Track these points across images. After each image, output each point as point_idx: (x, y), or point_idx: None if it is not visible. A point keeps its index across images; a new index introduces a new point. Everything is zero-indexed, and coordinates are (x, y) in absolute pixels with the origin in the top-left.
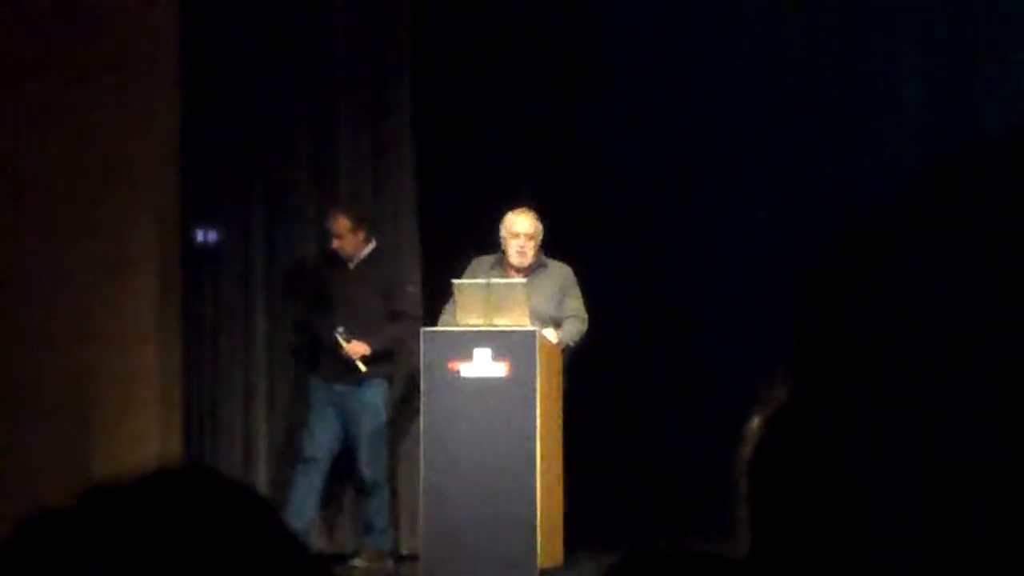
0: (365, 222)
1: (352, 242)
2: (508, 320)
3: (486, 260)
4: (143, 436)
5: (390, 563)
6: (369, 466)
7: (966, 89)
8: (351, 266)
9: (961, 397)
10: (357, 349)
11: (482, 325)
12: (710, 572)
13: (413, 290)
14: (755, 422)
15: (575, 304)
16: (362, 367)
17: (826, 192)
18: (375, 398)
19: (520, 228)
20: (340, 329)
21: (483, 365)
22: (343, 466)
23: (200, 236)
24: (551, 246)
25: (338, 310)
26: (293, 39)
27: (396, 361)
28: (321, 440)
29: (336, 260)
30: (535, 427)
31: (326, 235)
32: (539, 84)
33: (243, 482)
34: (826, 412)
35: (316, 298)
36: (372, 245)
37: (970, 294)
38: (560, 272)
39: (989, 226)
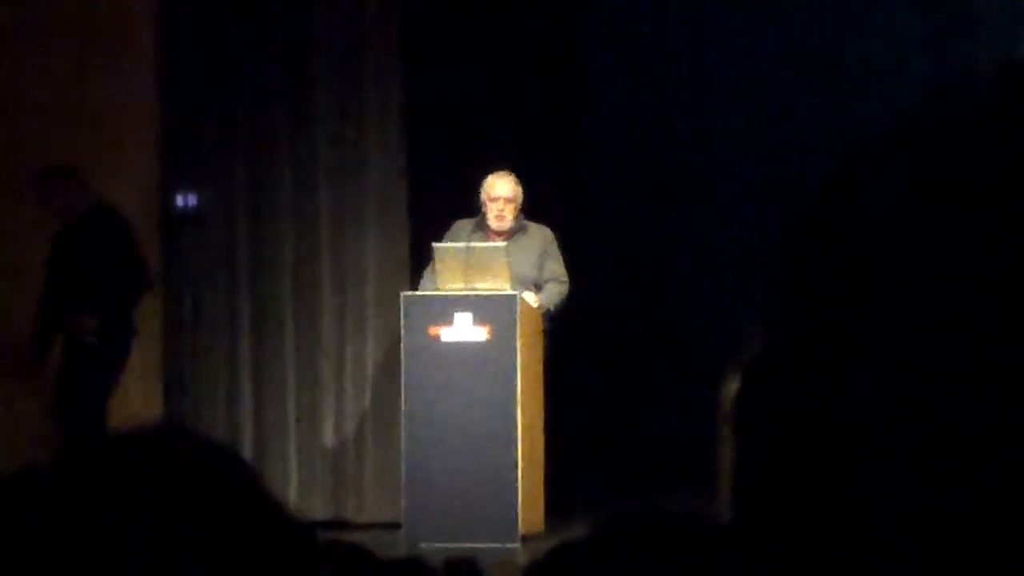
0: (74, 175)
1: (66, 200)
2: (489, 284)
3: (466, 223)
4: (125, 401)
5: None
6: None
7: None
8: (69, 226)
9: (952, 349)
10: (85, 325)
11: (463, 289)
12: (687, 535)
13: (131, 251)
14: (734, 378)
15: (556, 267)
16: (93, 339)
17: (813, 151)
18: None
19: (499, 191)
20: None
21: (464, 329)
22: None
23: (181, 202)
24: (533, 209)
25: (64, 277)
26: (276, 3)
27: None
28: None
29: (62, 225)
30: (516, 391)
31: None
32: (522, 53)
33: (223, 442)
34: (807, 364)
35: (50, 269)
36: (93, 201)
37: (953, 240)
38: (541, 235)
39: (973, 172)
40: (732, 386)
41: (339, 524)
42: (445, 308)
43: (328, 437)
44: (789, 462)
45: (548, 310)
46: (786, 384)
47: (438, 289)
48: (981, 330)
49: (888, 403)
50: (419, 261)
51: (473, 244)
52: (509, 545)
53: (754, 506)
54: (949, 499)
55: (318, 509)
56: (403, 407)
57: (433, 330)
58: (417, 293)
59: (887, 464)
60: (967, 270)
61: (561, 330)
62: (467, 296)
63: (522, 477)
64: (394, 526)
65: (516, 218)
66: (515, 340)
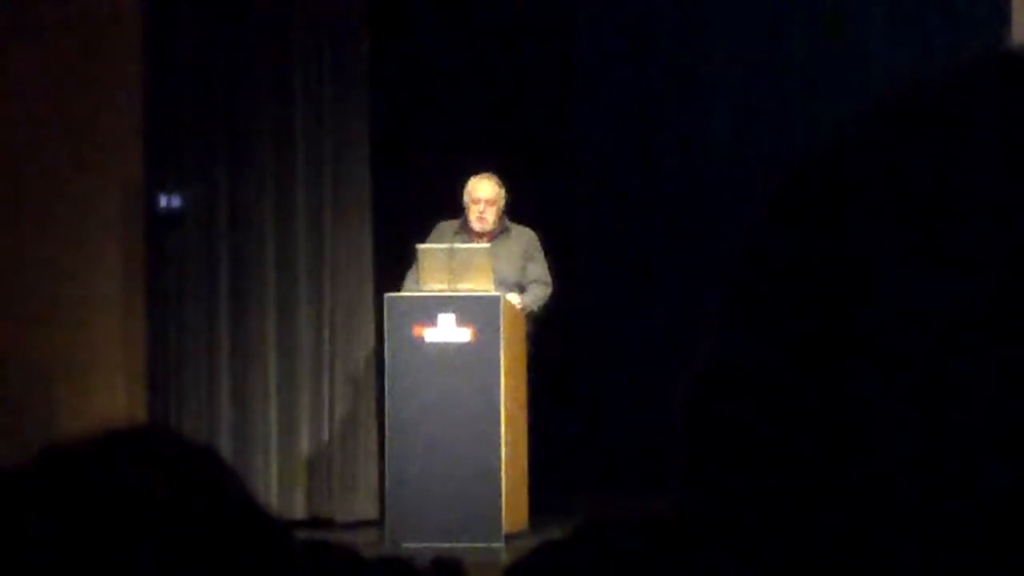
0: None
1: None
2: (472, 285)
3: (449, 225)
4: (107, 402)
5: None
6: None
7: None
8: None
9: (949, 347)
10: None
11: (446, 290)
12: (670, 533)
13: None
14: (696, 365)
15: (539, 269)
16: None
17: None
18: None
19: (480, 194)
20: None
21: (447, 330)
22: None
23: (164, 204)
24: (518, 211)
25: None
26: (255, 6)
27: None
28: None
29: None
30: (499, 392)
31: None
32: (501, 49)
33: (202, 442)
34: (796, 360)
35: None
36: None
37: (949, 232)
38: (524, 237)
39: (971, 163)
40: (693, 371)
41: (320, 523)
42: (428, 309)
43: (308, 436)
44: (744, 457)
45: (531, 311)
46: (760, 377)
47: (421, 290)
48: (980, 329)
49: (887, 399)
50: (403, 262)
51: (456, 245)
52: (493, 545)
53: (705, 498)
54: (947, 501)
55: (299, 508)
56: (386, 407)
57: (416, 331)
58: (400, 294)
59: (886, 463)
60: (964, 263)
61: (545, 330)
62: (450, 297)
63: (506, 477)
64: (375, 525)
65: (499, 220)
66: (499, 341)
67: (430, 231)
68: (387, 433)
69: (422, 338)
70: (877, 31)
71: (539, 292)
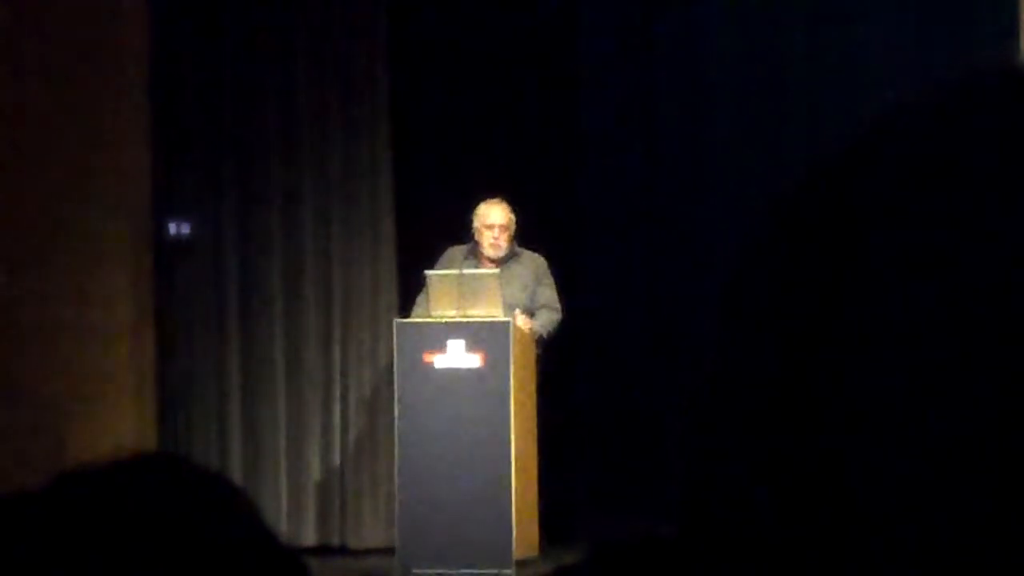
0: None
1: None
2: (481, 311)
3: (459, 250)
4: (117, 428)
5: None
6: None
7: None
8: None
9: (949, 346)
10: None
11: (455, 316)
12: (684, 558)
13: None
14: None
15: (549, 294)
16: None
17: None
18: None
19: (494, 219)
20: None
21: (457, 356)
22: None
23: (173, 227)
24: (524, 235)
25: None
26: (264, 25)
27: None
28: None
29: None
30: (509, 418)
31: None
32: (513, 72)
33: (215, 470)
34: (798, 362)
35: None
36: None
37: (951, 232)
38: (534, 262)
39: (972, 164)
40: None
41: (333, 550)
42: (438, 335)
43: (320, 463)
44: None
45: (541, 336)
46: (763, 384)
47: (431, 316)
48: (980, 327)
49: (888, 401)
50: (411, 288)
51: (466, 271)
52: (504, 571)
53: (705, 521)
54: (947, 502)
55: (311, 536)
56: (397, 434)
57: (426, 357)
58: (410, 320)
59: (888, 464)
60: (964, 262)
61: (555, 353)
62: (460, 323)
63: (516, 502)
64: (388, 552)
65: (510, 245)
66: (508, 367)
67: (437, 257)
68: (397, 459)
69: (432, 364)
70: (880, 35)
71: (549, 318)
